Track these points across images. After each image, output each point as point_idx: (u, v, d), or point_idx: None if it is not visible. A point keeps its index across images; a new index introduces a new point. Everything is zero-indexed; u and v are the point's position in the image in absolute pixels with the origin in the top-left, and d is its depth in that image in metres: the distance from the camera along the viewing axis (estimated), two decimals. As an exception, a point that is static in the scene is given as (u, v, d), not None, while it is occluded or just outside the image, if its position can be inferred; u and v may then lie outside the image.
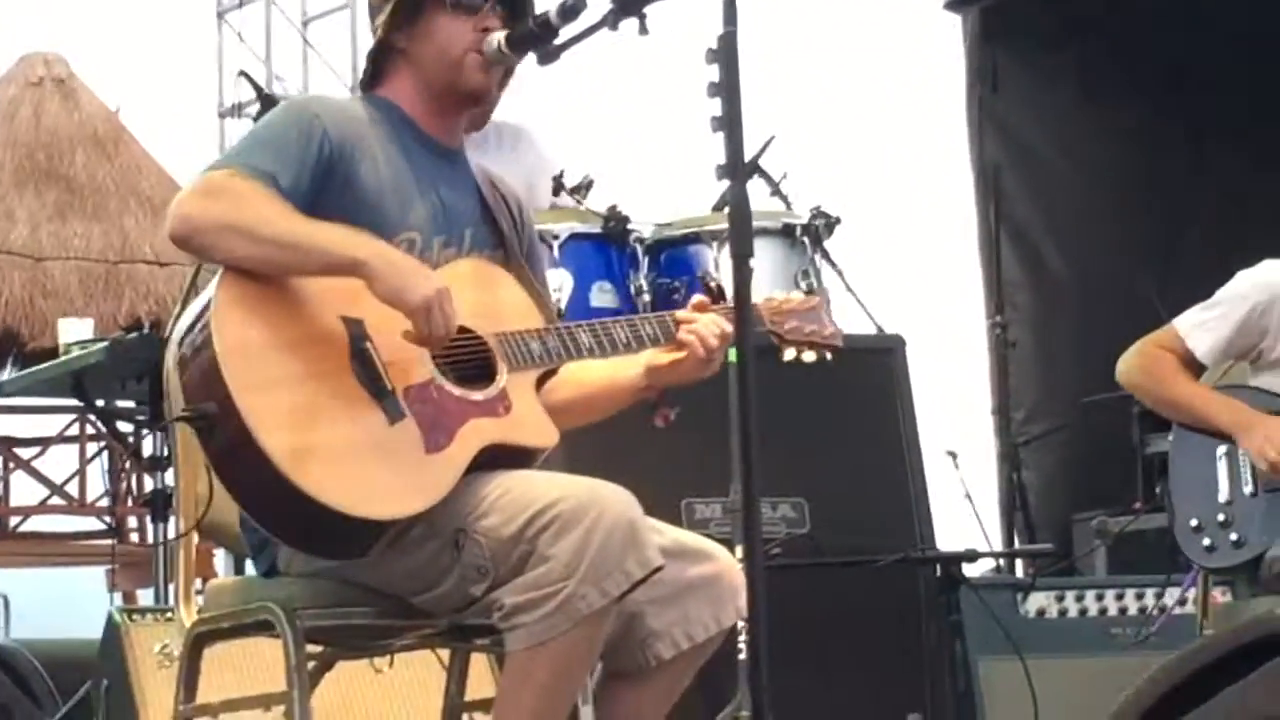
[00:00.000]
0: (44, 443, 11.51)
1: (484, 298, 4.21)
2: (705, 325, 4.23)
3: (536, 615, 3.87)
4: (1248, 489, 5.26)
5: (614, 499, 3.92)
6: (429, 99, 4.31)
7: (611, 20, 4.06)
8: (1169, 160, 9.41)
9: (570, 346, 4.25)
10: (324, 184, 4.09)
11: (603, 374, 4.36)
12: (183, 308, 4.35)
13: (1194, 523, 5.34)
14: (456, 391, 4.08)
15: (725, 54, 3.85)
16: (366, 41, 4.49)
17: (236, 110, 13.92)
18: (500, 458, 4.08)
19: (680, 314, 4.31)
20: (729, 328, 4.17)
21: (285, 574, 4.14)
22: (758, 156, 6.11)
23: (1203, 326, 5.36)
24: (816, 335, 4.46)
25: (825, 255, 6.46)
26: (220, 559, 8.06)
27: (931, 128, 9.68)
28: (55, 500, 11.47)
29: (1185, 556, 5.51)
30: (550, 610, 3.86)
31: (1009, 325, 9.25)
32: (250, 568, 4.49)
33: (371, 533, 3.97)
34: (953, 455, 7.10)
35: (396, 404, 4.00)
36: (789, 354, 4.43)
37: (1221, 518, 5.28)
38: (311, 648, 4.13)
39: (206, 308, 4.01)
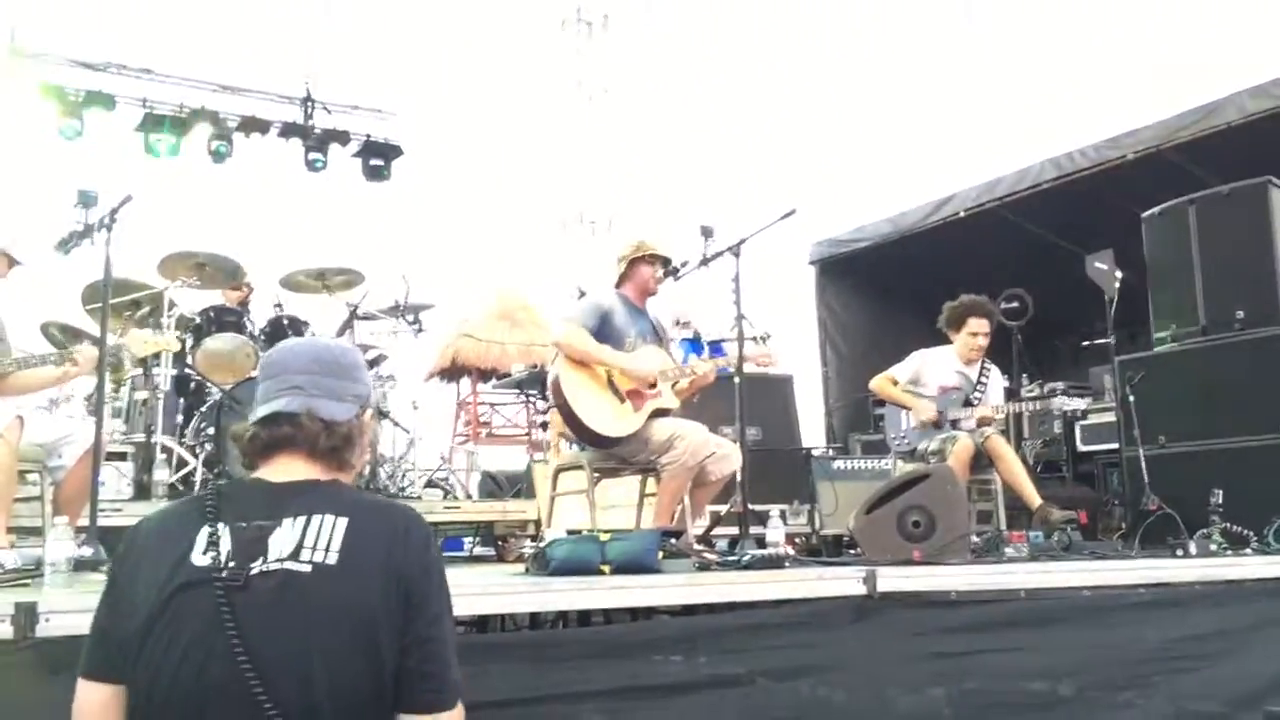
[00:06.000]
0: (502, 405, 11.42)
1: (653, 359, 4.12)
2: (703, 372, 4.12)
3: (674, 466, 3.85)
4: (912, 423, 4.96)
5: (699, 427, 3.89)
6: (636, 292, 4.22)
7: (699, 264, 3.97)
8: (893, 317, 9.12)
9: (680, 376, 4.13)
10: (602, 324, 4.02)
11: (682, 387, 4.17)
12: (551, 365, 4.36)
13: (892, 435, 5.13)
14: (646, 391, 4.00)
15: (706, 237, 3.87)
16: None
17: (572, 294, 13.84)
18: (660, 413, 4.00)
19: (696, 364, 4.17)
20: (710, 378, 4.08)
21: (585, 450, 4.05)
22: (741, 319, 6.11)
23: (899, 369, 5.12)
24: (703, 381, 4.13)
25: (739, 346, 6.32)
26: (564, 445, 8.02)
27: (803, 305, 9.45)
28: (507, 423, 11.39)
29: (889, 448, 5.26)
30: (679, 464, 3.83)
31: (830, 374, 9.18)
32: (575, 448, 4.45)
33: (616, 440, 3.91)
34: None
35: (623, 398, 3.95)
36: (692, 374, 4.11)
37: (902, 433, 5.02)
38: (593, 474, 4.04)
39: (558, 373, 3.93)
